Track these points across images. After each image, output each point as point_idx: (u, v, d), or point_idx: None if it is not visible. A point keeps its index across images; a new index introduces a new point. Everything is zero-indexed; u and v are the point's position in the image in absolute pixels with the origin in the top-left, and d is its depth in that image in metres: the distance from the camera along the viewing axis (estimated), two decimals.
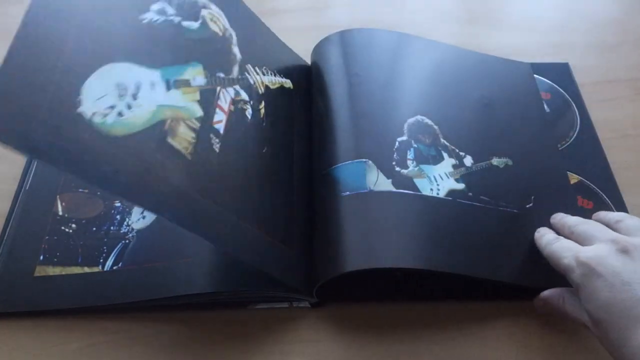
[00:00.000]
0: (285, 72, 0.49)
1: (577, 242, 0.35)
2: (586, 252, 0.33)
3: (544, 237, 0.38)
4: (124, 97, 0.35)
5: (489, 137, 0.46)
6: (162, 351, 0.38)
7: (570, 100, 0.52)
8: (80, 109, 0.31)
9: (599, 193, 0.45)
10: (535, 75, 0.54)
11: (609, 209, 0.44)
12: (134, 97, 0.36)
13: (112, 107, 0.34)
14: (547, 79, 0.54)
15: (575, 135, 0.49)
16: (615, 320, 0.30)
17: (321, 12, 0.63)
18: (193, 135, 0.38)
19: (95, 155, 0.31)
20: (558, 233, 0.38)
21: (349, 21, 0.61)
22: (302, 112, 0.49)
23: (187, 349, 0.38)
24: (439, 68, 0.51)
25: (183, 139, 0.37)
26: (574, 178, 0.46)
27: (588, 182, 0.45)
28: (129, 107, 0.35)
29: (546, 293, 0.37)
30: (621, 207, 0.44)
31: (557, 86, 0.53)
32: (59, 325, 0.39)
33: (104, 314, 0.39)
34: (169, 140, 0.36)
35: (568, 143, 0.48)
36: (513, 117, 0.48)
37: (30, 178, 0.47)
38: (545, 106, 0.51)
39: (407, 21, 0.62)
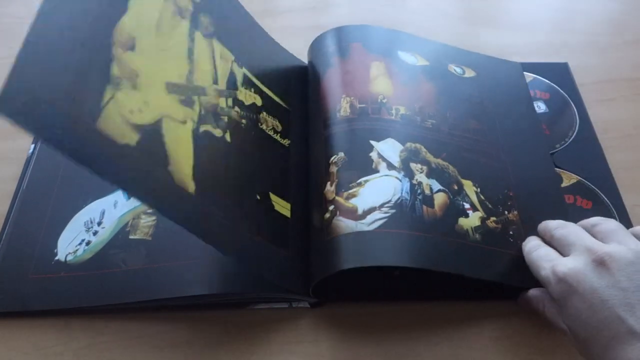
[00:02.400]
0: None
1: (557, 248, 0.35)
2: (563, 265, 0.32)
3: (528, 243, 0.38)
4: (90, 229, 0.43)
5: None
6: (162, 351, 0.38)
7: (570, 100, 0.52)
8: (57, 257, 0.41)
9: (598, 193, 0.45)
10: (534, 75, 0.54)
11: (608, 209, 0.44)
12: (99, 224, 0.43)
13: (81, 242, 0.42)
14: (546, 78, 0.54)
15: (574, 135, 0.49)
16: (595, 338, 0.30)
17: (321, 12, 0.63)
18: (153, 218, 0.42)
19: (71, 284, 0.40)
20: (544, 240, 0.37)
21: (349, 21, 0.60)
22: (298, 115, 0.49)
23: (187, 349, 0.38)
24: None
25: (143, 228, 0.42)
26: (572, 178, 0.46)
27: (587, 182, 0.45)
28: (95, 233, 0.42)
29: (529, 294, 0.37)
30: (620, 207, 0.44)
31: (556, 86, 0.53)
32: (57, 325, 0.39)
33: (103, 314, 0.39)
34: (131, 237, 0.41)
35: (567, 143, 0.48)
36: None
37: (28, 178, 0.47)
38: (545, 106, 0.51)
39: (407, 21, 0.62)
